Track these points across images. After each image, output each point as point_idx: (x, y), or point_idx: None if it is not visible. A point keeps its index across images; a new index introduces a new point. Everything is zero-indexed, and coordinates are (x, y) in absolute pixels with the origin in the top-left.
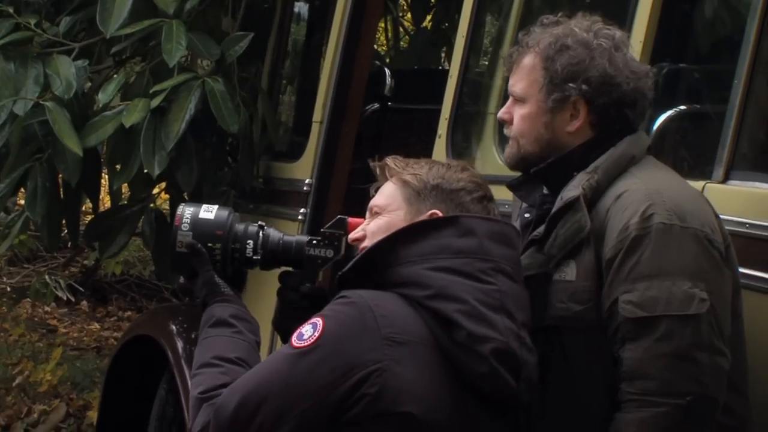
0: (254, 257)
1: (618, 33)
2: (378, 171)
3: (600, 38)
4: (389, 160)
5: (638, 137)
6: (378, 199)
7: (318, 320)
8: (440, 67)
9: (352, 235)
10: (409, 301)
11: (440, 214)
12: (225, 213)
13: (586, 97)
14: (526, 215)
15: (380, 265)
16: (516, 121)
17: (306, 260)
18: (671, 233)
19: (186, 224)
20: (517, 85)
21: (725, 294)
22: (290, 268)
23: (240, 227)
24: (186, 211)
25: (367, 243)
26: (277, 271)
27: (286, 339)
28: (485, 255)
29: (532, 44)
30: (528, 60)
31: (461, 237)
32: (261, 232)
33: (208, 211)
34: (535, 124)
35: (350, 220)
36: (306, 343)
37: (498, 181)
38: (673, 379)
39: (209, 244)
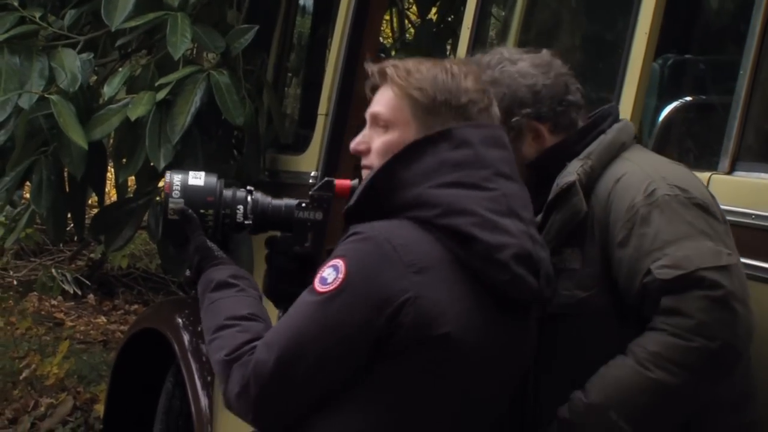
0: (245, 222)
1: (504, 52)
2: (377, 76)
3: (496, 67)
4: (390, 69)
5: (625, 125)
6: (382, 110)
7: (338, 262)
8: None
9: (354, 145)
10: (420, 223)
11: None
12: (213, 179)
13: (531, 116)
14: None
15: (384, 191)
16: None
17: (296, 223)
18: (678, 202)
19: (177, 191)
20: None
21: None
22: (278, 233)
23: (228, 192)
24: (175, 179)
25: (373, 160)
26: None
27: (279, 304)
28: (483, 162)
29: None
30: None
31: (457, 149)
32: (249, 197)
33: (197, 178)
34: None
35: (337, 181)
36: (332, 287)
37: None
38: (709, 322)
39: (201, 211)
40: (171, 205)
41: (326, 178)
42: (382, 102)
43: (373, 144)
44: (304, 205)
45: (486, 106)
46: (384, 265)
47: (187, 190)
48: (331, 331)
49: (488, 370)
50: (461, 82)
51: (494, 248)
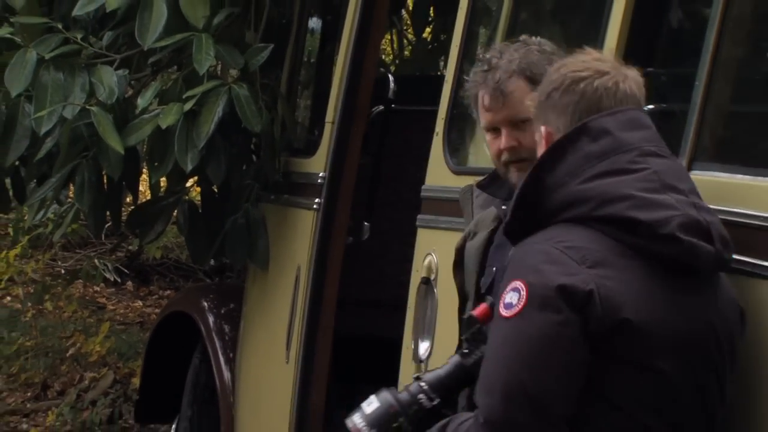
0: (434, 403)
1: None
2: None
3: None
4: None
5: None
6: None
7: (516, 283)
8: (438, 73)
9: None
10: (579, 222)
11: (551, 132)
12: (383, 393)
13: None
14: (503, 207)
15: (535, 199)
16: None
17: (472, 369)
18: None
19: (364, 427)
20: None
21: None
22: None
23: (403, 394)
24: (356, 419)
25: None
26: None
27: None
28: (625, 146)
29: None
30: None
31: (596, 140)
32: (420, 382)
33: (370, 404)
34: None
35: (476, 312)
36: (520, 305)
37: (488, 172)
38: None
39: (394, 425)
40: None
41: (467, 315)
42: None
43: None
44: (467, 350)
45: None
46: (559, 267)
47: (371, 421)
48: (537, 341)
49: (681, 350)
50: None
51: (658, 224)
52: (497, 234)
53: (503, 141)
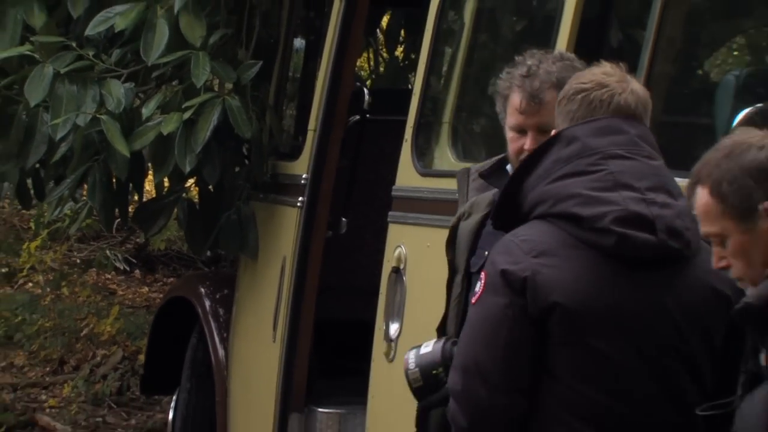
0: None
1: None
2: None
3: None
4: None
5: None
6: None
7: (482, 272)
8: (407, 87)
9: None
10: (542, 218)
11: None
12: (438, 344)
13: None
14: None
15: (517, 198)
16: None
17: None
18: None
19: (412, 364)
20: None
21: None
22: None
23: (446, 347)
24: (410, 355)
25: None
26: None
27: None
28: (590, 150)
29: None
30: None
31: (567, 146)
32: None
33: (427, 346)
34: None
35: None
36: (479, 291)
37: (450, 174)
38: None
39: (433, 372)
40: (411, 377)
41: None
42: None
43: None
44: None
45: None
46: (510, 257)
47: (419, 362)
48: (488, 320)
49: (622, 331)
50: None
51: (594, 219)
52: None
53: (529, 143)
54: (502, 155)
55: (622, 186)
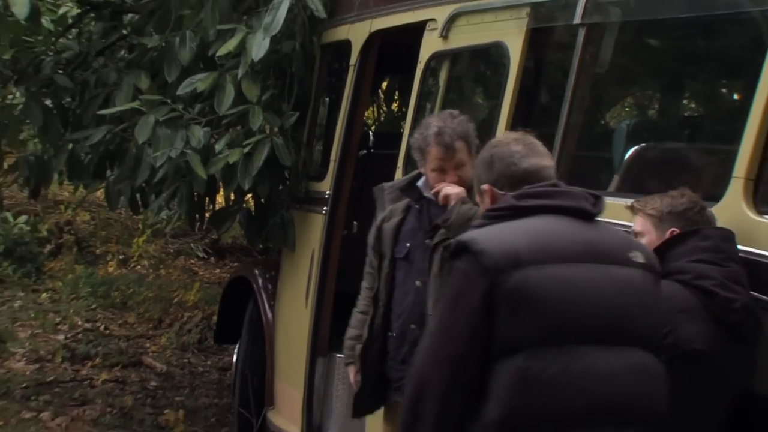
0: None
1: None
2: (630, 209)
3: None
4: (634, 203)
5: None
6: (637, 227)
7: None
8: (400, 131)
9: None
10: (682, 282)
11: (677, 230)
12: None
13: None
14: (416, 206)
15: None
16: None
17: None
18: None
19: None
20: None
21: None
22: None
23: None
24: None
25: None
26: None
27: None
28: (720, 250)
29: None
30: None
31: (703, 240)
32: None
33: None
34: None
35: None
36: None
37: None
38: None
39: None
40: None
41: None
42: (637, 223)
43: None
44: None
45: (700, 209)
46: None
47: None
48: None
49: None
50: (679, 199)
51: (728, 300)
52: (412, 220)
53: (449, 177)
54: (412, 175)
55: (740, 284)
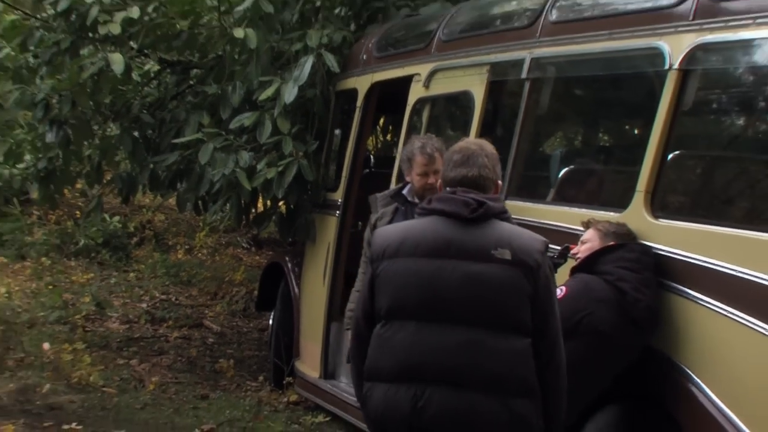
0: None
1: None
2: (585, 224)
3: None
4: (590, 219)
5: None
6: (586, 236)
7: (562, 287)
8: (393, 155)
9: (576, 251)
10: (606, 281)
11: (613, 243)
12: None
13: None
14: (402, 208)
15: (592, 263)
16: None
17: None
18: None
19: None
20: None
21: None
22: None
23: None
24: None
25: (581, 255)
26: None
27: None
28: (639, 261)
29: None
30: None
31: (628, 252)
32: None
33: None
34: None
35: (571, 246)
36: (561, 295)
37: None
38: None
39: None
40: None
41: (565, 245)
42: (587, 233)
43: (582, 248)
44: (554, 255)
45: (630, 233)
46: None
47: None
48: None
49: None
50: (621, 227)
51: (637, 299)
52: (399, 219)
53: (431, 180)
54: (399, 186)
55: (652, 287)
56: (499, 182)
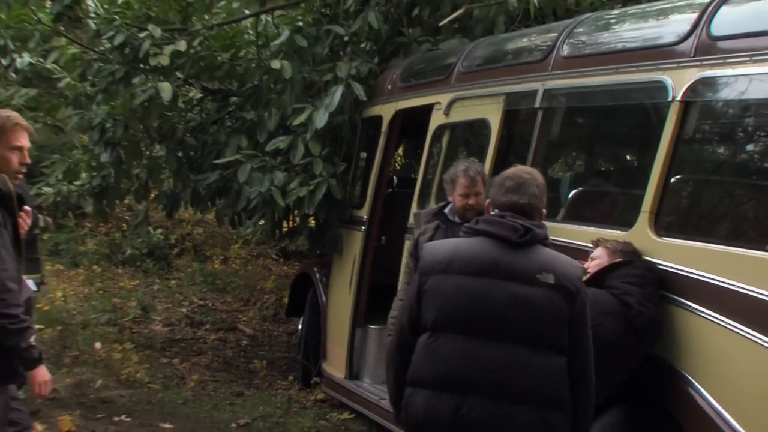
0: None
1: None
2: (594, 242)
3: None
4: (600, 238)
5: None
6: (596, 253)
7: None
8: (414, 176)
9: (586, 266)
10: (613, 294)
11: (621, 260)
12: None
13: None
14: (443, 226)
15: (600, 279)
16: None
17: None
18: None
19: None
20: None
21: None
22: None
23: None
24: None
25: (591, 270)
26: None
27: None
28: (644, 277)
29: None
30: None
31: (634, 269)
32: None
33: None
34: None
35: (582, 262)
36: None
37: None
38: None
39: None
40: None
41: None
42: (597, 250)
43: (591, 264)
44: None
45: (635, 251)
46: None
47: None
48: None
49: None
50: (626, 246)
51: (641, 312)
52: (440, 236)
53: (472, 201)
54: (441, 205)
55: (655, 300)
56: (544, 210)
